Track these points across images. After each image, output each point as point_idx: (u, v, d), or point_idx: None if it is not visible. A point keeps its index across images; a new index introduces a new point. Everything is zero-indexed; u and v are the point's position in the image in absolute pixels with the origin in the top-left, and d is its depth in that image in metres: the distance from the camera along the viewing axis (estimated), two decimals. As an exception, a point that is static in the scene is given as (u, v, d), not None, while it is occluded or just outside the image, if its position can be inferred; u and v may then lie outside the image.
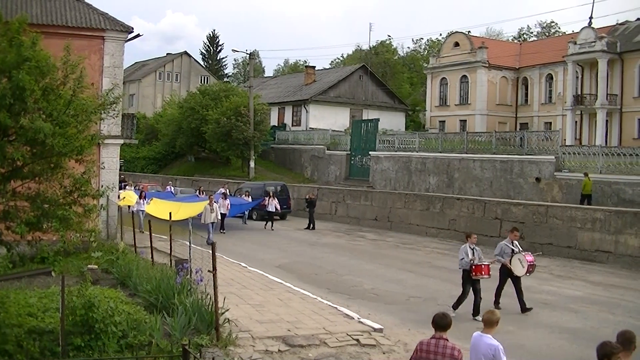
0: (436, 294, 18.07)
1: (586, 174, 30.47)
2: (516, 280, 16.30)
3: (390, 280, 20.33)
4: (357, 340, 12.52)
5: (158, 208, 28.61)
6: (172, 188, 44.11)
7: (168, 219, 28.21)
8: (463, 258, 15.57)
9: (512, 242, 16.63)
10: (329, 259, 24.29)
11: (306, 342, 12.14)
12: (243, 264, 21.39)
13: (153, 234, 19.37)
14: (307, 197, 36.07)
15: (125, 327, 11.20)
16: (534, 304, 17.17)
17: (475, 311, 15.15)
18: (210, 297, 12.27)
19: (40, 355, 10.54)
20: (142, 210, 30.58)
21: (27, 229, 12.63)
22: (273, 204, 34.76)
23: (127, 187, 39.87)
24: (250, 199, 36.14)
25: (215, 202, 29.41)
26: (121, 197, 31.80)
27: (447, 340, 7.76)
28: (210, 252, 12.00)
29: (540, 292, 18.85)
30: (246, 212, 36.51)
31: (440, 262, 24.14)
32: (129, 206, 34.04)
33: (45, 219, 12.76)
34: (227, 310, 12.78)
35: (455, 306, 15.54)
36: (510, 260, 16.26)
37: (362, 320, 14.01)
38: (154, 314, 12.16)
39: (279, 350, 11.74)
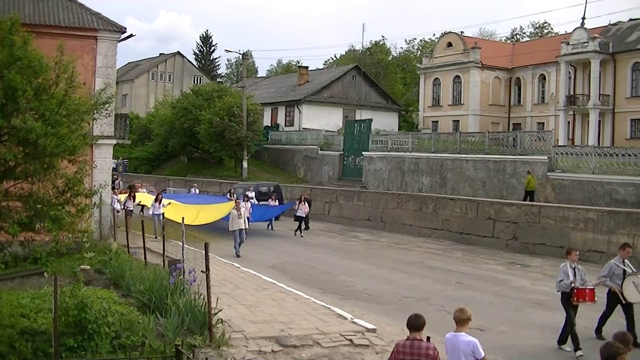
0: (429, 294, 18.09)
1: (529, 172, 32.83)
2: (628, 308, 13.62)
3: (384, 280, 20.34)
4: (351, 340, 12.50)
5: (177, 212, 26.73)
6: (197, 190, 41.47)
7: (189, 223, 27.58)
8: (562, 280, 13.13)
9: (624, 261, 13.88)
10: (322, 260, 24.28)
11: (299, 343, 12.12)
12: (236, 264, 21.36)
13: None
14: (301, 197, 35.89)
15: (118, 327, 11.16)
16: (527, 303, 17.25)
17: (562, 339, 13.22)
18: (203, 298, 12.25)
19: (32, 356, 10.50)
20: (158, 214, 27.84)
21: (19, 229, 12.61)
22: (303, 209, 32.13)
23: (140, 189, 38.51)
24: (277, 203, 34.28)
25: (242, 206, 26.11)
26: (137, 200, 31.04)
27: (422, 340, 7.90)
28: (204, 252, 11.96)
29: (533, 292, 18.91)
30: (273, 218, 33.92)
31: (433, 263, 24.18)
32: (143, 207, 33.04)
33: (37, 219, 12.74)
34: (220, 310, 12.76)
35: (575, 343, 12.84)
36: (622, 284, 13.54)
37: (355, 320, 13.99)
38: (147, 315, 12.13)
39: (272, 350, 11.73)
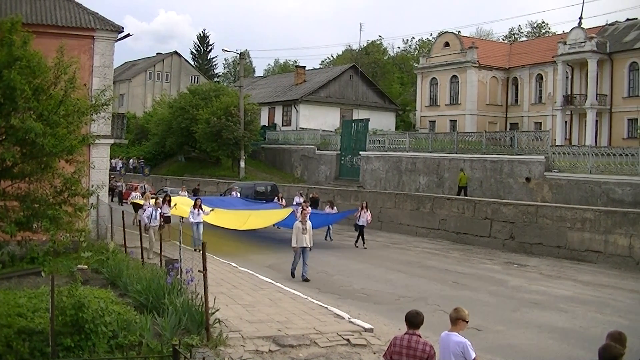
0: (426, 294, 18.11)
1: (462, 170, 35.62)
2: None
3: (380, 280, 20.36)
4: (348, 340, 12.51)
5: (222, 219, 25.72)
6: (238, 193, 36.42)
7: (236, 228, 27.11)
8: None
9: None
10: (318, 259, 24.20)
11: (296, 342, 12.13)
12: (233, 264, 21.31)
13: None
14: (310, 196, 35.76)
15: (116, 327, 11.16)
16: (523, 303, 17.27)
17: None
18: (201, 297, 12.24)
19: (29, 356, 10.48)
20: (199, 222, 24.95)
21: (16, 228, 12.64)
22: (365, 217, 28.18)
23: (181, 192, 34.69)
24: (335, 210, 30.50)
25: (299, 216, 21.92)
26: (171, 205, 26.79)
27: (420, 336, 7.89)
28: (201, 252, 11.96)
29: (530, 291, 18.94)
30: (331, 226, 30.36)
31: (430, 262, 24.20)
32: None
33: (35, 218, 12.77)
34: (218, 310, 12.76)
35: None
36: None
37: (352, 320, 14.00)
38: (144, 314, 12.13)
39: (269, 350, 11.73)
